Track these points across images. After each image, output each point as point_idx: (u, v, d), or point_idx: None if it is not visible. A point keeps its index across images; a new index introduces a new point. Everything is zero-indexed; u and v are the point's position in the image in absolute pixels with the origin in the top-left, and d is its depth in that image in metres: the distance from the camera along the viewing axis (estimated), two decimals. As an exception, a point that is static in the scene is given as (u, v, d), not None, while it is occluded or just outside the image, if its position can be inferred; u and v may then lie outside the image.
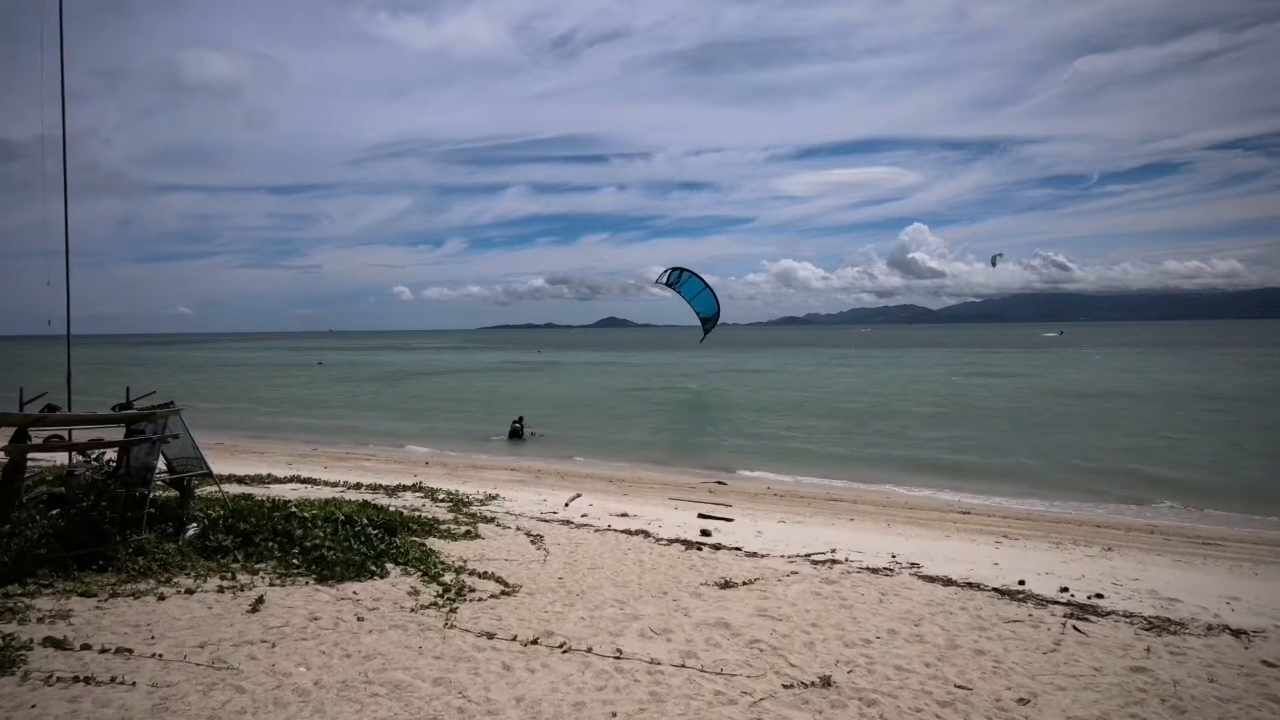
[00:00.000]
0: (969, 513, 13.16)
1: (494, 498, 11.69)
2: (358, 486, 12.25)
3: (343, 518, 7.70)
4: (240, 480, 12.54)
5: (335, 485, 12.45)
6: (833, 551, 8.60)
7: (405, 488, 12.16)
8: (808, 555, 8.36)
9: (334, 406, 35.55)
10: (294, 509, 7.71)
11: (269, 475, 13.18)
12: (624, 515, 10.76)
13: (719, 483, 16.38)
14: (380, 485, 12.30)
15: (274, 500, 8.39)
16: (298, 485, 12.38)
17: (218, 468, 16.36)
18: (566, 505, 11.59)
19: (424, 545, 7.75)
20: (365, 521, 7.84)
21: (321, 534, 7.09)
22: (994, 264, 39.24)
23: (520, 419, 24.87)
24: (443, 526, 8.84)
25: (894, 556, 8.50)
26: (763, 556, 8.23)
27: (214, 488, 8.68)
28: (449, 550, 7.85)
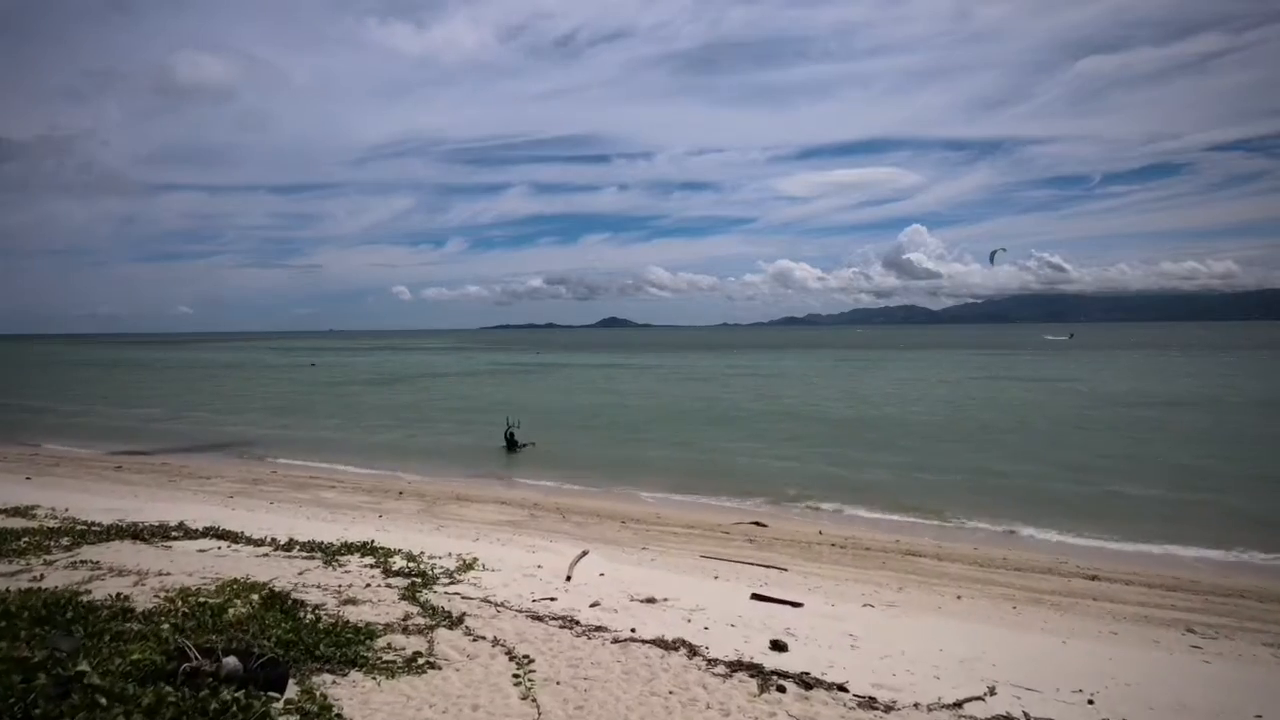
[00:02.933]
0: (1096, 577, 10.02)
1: (470, 566, 8.57)
2: (289, 548, 9.11)
3: (184, 673, 4.46)
4: (136, 535, 9.44)
5: (260, 544, 9.31)
6: (991, 691, 5.48)
7: (353, 549, 9.03)
8: (959, 704, 5.24)
9: (315, 414, 32.45)
10: (85, 667, 4.38)
11: (180, 525, 10.05)
12: (650, 601, 7.64)
13: (757, 524, 13.27)
14: (319, 545, 9.16)
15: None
16: (209, 545, 9.26)
17: (145, 498, 13.25)
18: (568, 579, 8.48)
19: (329, 707, 4.61)
20: (225, 672, 4.59)
21: (121, 714, 3.90)
22: (993, 260, 35.99)
23: (516, 425, 22.50)
24: (378, 644, 5.71)
25: (1090, 701, 5.38)
26: (889, 710, 5.11)
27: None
28: (374, 706, 4.74)
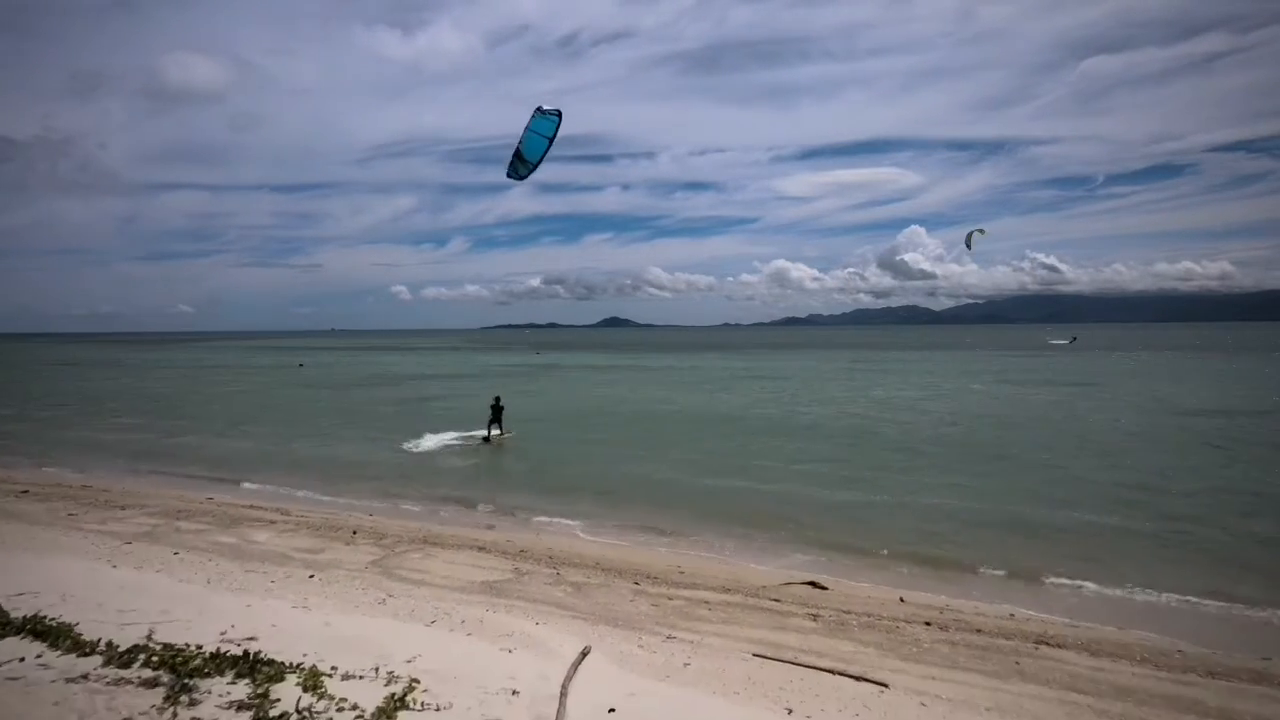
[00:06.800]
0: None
1: (402, 703, 5.39)
2: (128, 662, 5.88)
3: None
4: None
5: (89, 652, 6.12)
6: None
7: (226, 663, 5.83)
8: None
9: (287, 423, 29.24)
10: None
11: (-10, 613, 6.89)
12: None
13: (813, 584, 10.09)
14: (177, 657, 5.97)
15: None
16: (5, 655, 6.09)
17: (12, 547, 10.21)
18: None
19: None
20: None
21: None
22: (969, 244, 30.83)
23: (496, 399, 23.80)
24: None
25: None
26: None
27: None
28: None
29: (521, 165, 12.38)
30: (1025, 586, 10.38)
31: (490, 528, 13.45)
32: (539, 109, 12.07)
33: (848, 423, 26.99)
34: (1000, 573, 10.84)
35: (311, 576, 9.43)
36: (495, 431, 23.23)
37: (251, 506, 14.61)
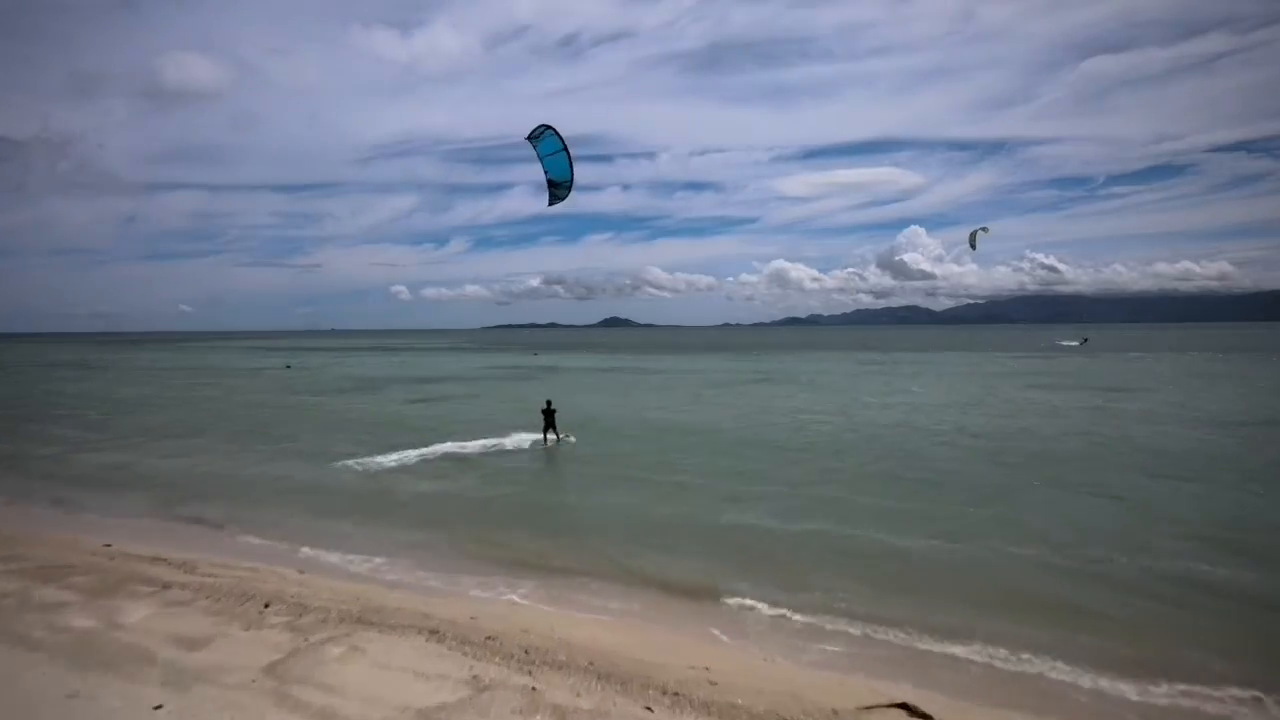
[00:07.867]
0: None
1: None
2: None
3: None
4: None
5: None
6: None
7: None
8: None
9: (245, 435, 26.12)
10: None
11: None
12: None
13: (908, 710, 6.96)
14: None
15: None
16: None
17: None
18: None
19: None
20: None
21: None
22: (973, 245, 28.84)
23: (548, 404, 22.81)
24: None
25: None
26: None
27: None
28: None
29: (558, 189, 13.60)
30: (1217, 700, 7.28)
31: (447, 594, 10.32)
32: (528, 137, 13.32)
33: (867, 435, 23.87)
34: (1177, 688, 7.71)
35: (158, 708, 6.30)
36: (551, 436, 22.40)
37: (154, 559, 11.49)
